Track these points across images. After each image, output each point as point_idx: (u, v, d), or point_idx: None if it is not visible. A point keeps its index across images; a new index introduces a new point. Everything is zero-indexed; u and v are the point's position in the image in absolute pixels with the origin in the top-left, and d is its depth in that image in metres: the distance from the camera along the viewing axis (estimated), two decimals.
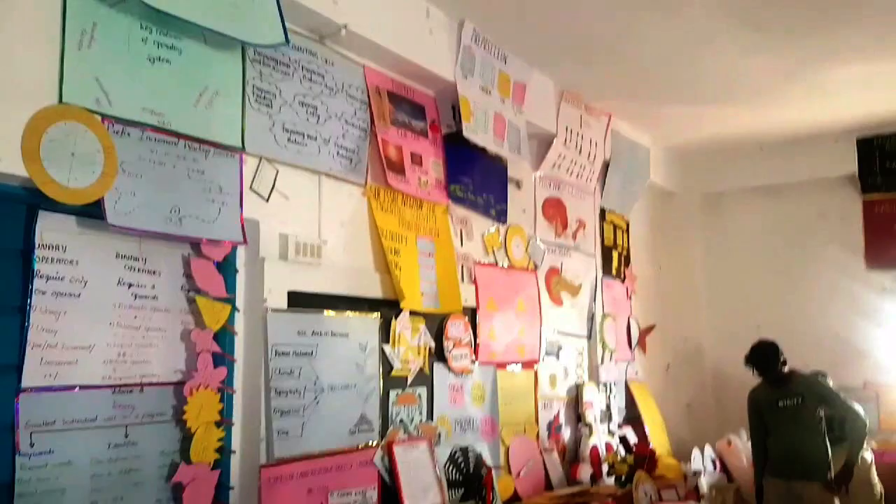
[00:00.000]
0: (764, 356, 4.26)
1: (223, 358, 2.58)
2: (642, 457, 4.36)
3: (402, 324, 3.27)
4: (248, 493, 2.56)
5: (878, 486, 4.64)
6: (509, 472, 3.82)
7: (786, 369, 4.30)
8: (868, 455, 4.67)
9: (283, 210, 2.80)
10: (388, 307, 3.21)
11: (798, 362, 4.45)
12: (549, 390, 4.37)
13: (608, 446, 4.61)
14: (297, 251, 2.77)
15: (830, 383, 4.42)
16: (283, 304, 2.74)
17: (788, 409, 4.18)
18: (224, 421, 2.54)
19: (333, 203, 3.03)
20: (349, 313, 3.02)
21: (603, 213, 5.21)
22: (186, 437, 2.45)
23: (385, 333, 3.19)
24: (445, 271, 3.55)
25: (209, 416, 2.50)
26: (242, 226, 2.61)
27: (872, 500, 4.56)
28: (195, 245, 2.54)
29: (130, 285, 2.40)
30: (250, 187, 2.68)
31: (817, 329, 5.75)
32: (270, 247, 2.72)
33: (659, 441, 5.18)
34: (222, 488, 2.52)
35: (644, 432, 5.08)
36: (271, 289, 2.68)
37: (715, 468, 4.99)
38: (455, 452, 3.46)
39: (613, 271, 5.28)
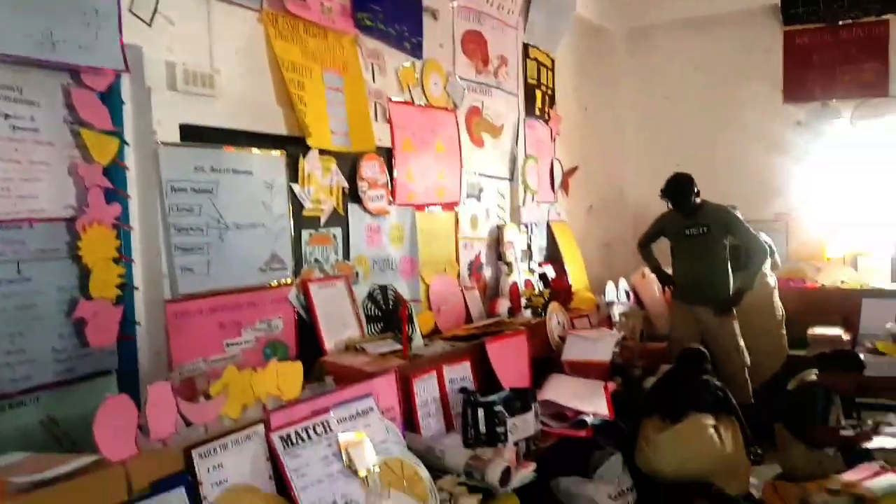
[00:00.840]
0: (678, 187, 4.37)
1: (116, 194, 2.46)
2: (558, 291, 4.51)
3: (311, 162, 3.17)
4: (155, 328, 2.54)
5: (780, 309, 4.96)
6: (430, 308, 3.90)
7: (698, 201, 4.43)
8: (772, 280, 4.96)
9: (169, 36, 2.59)
10: (294, 144, 3.09)
11: (715, 198, 4.59)
12: (471, 231, 4.40)
13: (527, 283, 4.75)
14: (186, 80, 2.59)
15: (740, 215, 4.58)
16: (175, 137, 2.60)
17: (695, 238, 4.36)
18: (123, 258, 2.46)
19: (226, 29, 2.82)
20: (253, 150, 2.90)
21: (526, 49, 5.06)
22: (84, 274, 2.37)
23: (293, 172, 3.10)
24: (356, 108, 3.42)
25: (106, 253, 2.41)
26: (123, 52, 2.41)
27: (773, 320, 4.89)
28: (75, 74, 2.34)
29: (7, 116, 2.22)
30: (130, 10, 2.45)
31: (735, 165, 5.92)
32: (157, 76, 2.54)
33: (577, 278, 5.36)
34: (128, 323, 2.48)
35: (563, 270, 5.23)
36: (160, 121, 2.53)
37: (629, 299, 5.23)
38: (374, 290, 3.50)
39: (537, 111, 5.21)
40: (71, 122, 2.36)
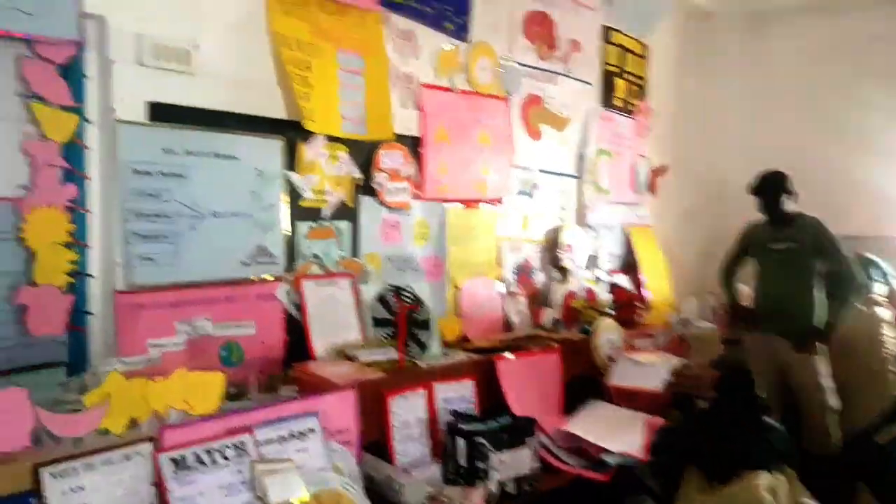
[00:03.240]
0: (770, 184, 3.74)
1: (73, 174, 2.31)
2: (619, 303, 4.02)
3: (314, 149, 2.91)
4: (111, 320, 2.38)
5: (893, 346, 4.17)
6: (459, 314, 3.55)
7: (792, 208, 3.78)
8: (884, 311, 4.18)
9: (142, 5, 2.41)
10: (296, 130, 2.84)
11: (825, 213, 3.91)
12: (521, 232, 3.99)
13: (590, 293, 4.27)
14: (157, 55, 2.40)
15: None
16: (142, 116, 2.41)
17: (781, 254, 3.73)
18: (76, 242, 2.32)
19: (216, 1, 2.61)
20: (241, 134, 2.68)
21: (607, 33, 4.55)
22: (30, 258, 2.25)
23: (292, 160, 2.86)
24: (376, 93, 3.13)
25: (55, 237, 2.26)
26: (80, 21, 2.25)
27: (879, 359, 4.11)
28: (30, 44, 2.21)
29: None
30: None
31: (851, 176, 5.09)
32: (122, 49, 2.36)
33: (658, 290, 4.80)
34: (79, 314, 2.33)
35: (639, 280, 4.70)
36: (123, 98, 2.35)
37: (714, 319, 4.62)
38: (386, 291, 3.19)
39: (617, 102, 4.69)
40: (25, 95, 2.23)
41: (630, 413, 3.23)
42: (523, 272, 3.98)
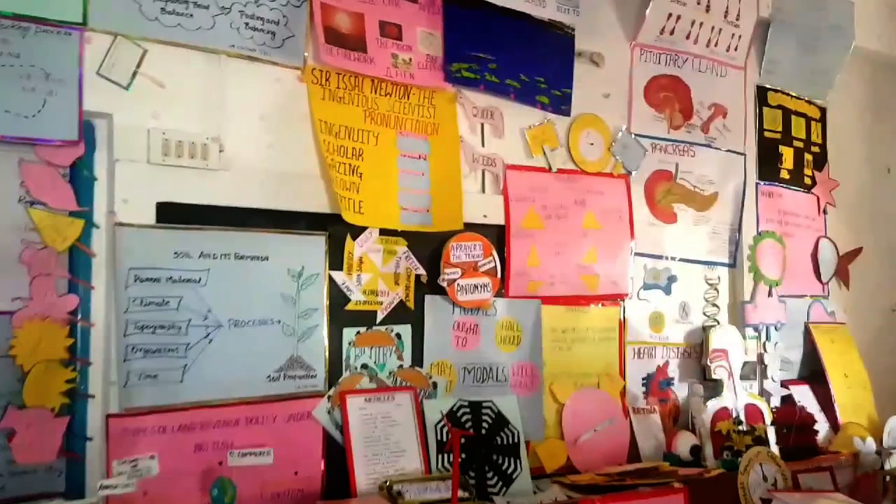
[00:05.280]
0: None
1: (78, 285, 2.14)
2: (785, 424, 3.13)
3: (365, 244, 2.55)
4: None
5: None
6: (562, 437, 2.92)
7: None
8: None
9: (156, 101, 2.24)
10: (344, 224, 2.51)
11: None
12: (651, 334, 3.29)
13: (752, 410, 3.39)
14: (166, 152, 2.20)
15: None
16: (150, 218, 2.20)
17: None
18: (75, 360, 2.11)
19: (246, 92, 2.39)
20: (272, 232, 2.39)
21: (764, 94, 3.81)
22: (22, 377, 2.07)
23: (339, 258, 2.51)
24: (444, 178, 2.73)
25: (50, 353, 2.08)
26: (81, 121, 2.11)
27: None
28: (33, 147, 2.09)
29: None
30: (98, 72, 2.16)
31: None
32: (132, 147, 2.19)
33: (854, 406, 3.75)
34: (76, 438, 2.10)
35: (829, 394, 3.70)
36: (127, 199, 2.16)
37: None
38: (458, 407, 2.68)
39: (783, 175, 3.87)
40: (27, 201, 2.11)
41: None
42: (654, 384, 3.25)
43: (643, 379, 3.22)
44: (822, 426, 3.60)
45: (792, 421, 3.18)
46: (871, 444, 3.25)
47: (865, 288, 4.19)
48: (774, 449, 3.14)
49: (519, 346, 2.88)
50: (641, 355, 3.24)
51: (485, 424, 2.70)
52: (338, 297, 2.50)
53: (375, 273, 2.57)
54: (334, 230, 2.50)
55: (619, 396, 3.11)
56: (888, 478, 2.89)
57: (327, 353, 2.46)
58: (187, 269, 2.23)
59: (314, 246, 2.46)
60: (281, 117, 2.46)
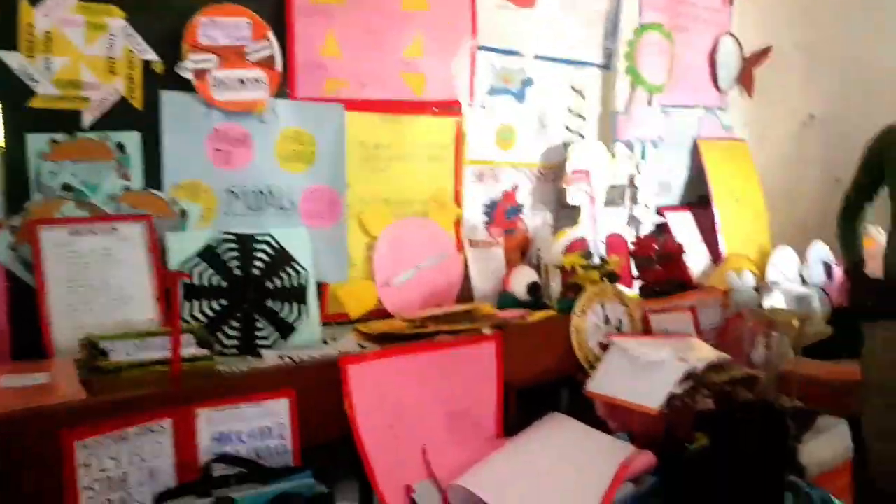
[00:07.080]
0: None
1: None
2: (643, 256, 2.63)
3: (53, 12, 1.79)
4: None
5: None
6: (373, 277, 2.35)
7: None
8: None
9: None
10: None
11: None
12: (498, 152, 2.67)
13: (614, 241, 2.88)
14: None
15: None
16: None
17: None
18: None
19: None
20: None
21: None
22: None
23: (9, 32, 1.76)
24: None
25: None
26: None
27: None
28: None
29: None
30: None
31: None
32: None
33: (745, 236, 3.30)
34: None
35: (712, 221, 3.23)
36: None
37: (832, 278, 3.09)
38: (219, 243, 2.05)
39: None
40: None
41: (601, 441, 1.96)
42: (499, 212, 2.68)
43: (485, 206, 2.64)
44: (702, 259, 3.15)
45: (651, 252, 2.67)
46: (748, 278, 2.79)
47: (772, 97, 3.63)
48: (636, 286, 2.66)
49: (312, 165, 2.22)
50: (484, 178, 2.63)
51: (259, 263, 2.09)
52: (16, 89, 1.77)
53: (75, 56, 1.83)
54: None
55: (452, 227, 2.53)
56: (763, 319, 2.42)
57: (1, 168, 1.76)
58: None
59: None
60: None
